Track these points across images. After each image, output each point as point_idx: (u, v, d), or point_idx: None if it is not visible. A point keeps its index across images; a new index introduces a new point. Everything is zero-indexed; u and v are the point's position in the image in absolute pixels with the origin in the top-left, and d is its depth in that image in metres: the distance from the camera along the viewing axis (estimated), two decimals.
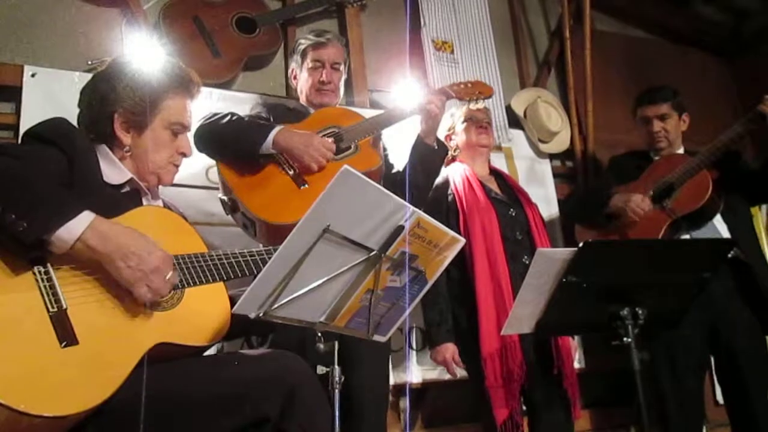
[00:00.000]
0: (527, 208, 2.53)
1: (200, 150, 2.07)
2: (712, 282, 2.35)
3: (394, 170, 2.41)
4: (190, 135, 1.73)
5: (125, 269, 1.29)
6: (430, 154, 2.31)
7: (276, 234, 1.94)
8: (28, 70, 2.43)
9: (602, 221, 2.78)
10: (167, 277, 1.34)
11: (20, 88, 2.40)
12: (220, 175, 2.07)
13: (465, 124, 2.63)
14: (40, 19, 2.62)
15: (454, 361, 2.31)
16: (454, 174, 2.54)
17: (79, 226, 1.25)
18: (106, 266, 1.29)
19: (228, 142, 2.05)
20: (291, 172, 2.05)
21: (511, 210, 2.48)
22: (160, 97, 1.60)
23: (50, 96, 2.38)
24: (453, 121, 2.68)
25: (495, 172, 2.71)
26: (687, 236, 2.60)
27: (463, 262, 2.36)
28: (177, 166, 1.67)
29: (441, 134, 2.69)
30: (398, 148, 2.51)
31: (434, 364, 2.42)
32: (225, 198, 2.08)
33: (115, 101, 1.56)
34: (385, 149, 2.44)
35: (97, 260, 1.28)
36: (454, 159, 2.66)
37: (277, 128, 2.05)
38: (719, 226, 2.61)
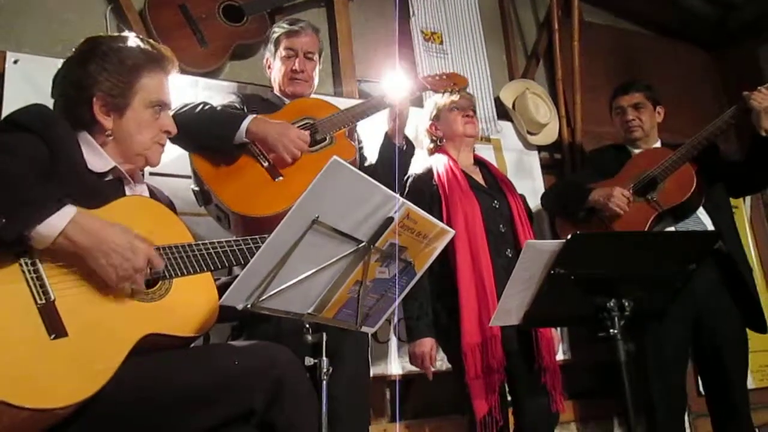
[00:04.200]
0: (511, 199, 2.48)
1: (173, 141, 2.03)
2: (696, 275, 2.38)
3: (367, 162, 2.38)
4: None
5: (107, 267, 1.27)
6: (397, 154, 2.27)
7: (250, 226, 1.92)
8: (10, 57, 2.40)
9: (582, 216, 2.79)
10: (149, 272, 1.33)
11: (2, 75, 2.37)
12: (193, 166, 2.03)
13: (451, 113, 2.56)
14: (23, 5, 2.58)
15: (430, 357, 2.26)
16: (438, 164, 2.49)
17: (61, 221, 1.23)
18: (87, 261, 1.27)
19: (201, 132, 2.00)
20: (265, 164, 2.02)
21: (495, 201, 2.43)
22: (137, 75, 1.55)
23: (32, 83, 2.35)
24: (437, 110, 2.61)
25: (480, 162, 2.66)
26: (672, 229, 2.62)
27: (444, 254, 2.28)
28: (162, 145, 1.64)
29: (424, 122, 2.68)
30: (372, 139, 2.49)
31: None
32: (197, 189, 2.05)
33: (91, 85, 1.51)
34: (359, 141, 2.43)
35: (80, 255, 1.26)
36: (439, 148, 2.59)
37: (251, 117, 2.02)
38: (703, 218, 2.63)
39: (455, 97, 2.51)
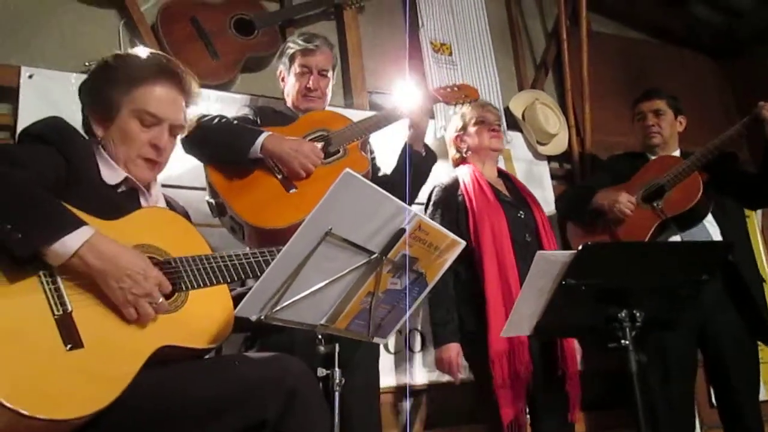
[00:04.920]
0: (535, 210, 2.56)
1: (188, 152, 2.06)
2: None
3: (380, 173, 2.41)
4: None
5: (117, 290, 1.28)
6: (418, 162, 2.31)
7: (264, 238, 1.93)
8: (25, 72, 2.43)
9: (587, 218, 2.79)
10: (158, 301, 1.34)
11: (17, 90, 2.40)
12: (208, 178, 2.05)
13: (477, 126, 2.64)
14: (38, 20, 2.62)
15: (456, 362, 2.32)
16: (464, 175, 2.56)
17: (77, 241, 1.24)
18: (99, 283, 1.28)
19: (216, 145, 2.03)
20: (279, 176, 2.04)
21: (520, 212, 2.51)
22: (130, 85, 1.54)
23: (47, 97, 2.38)
24: (464, 122, 2.68)
25: (503, 175, 2.74)
26: (677, 237, 2.61)
27: (472, 263, 2.39)
28: (149, 161, 1.57)
29: (450, 134, 2.74)
30: (385, 150, 2.53)
31: (434, 365, 2.44)
32: (212, 201, 2.07)
33: (86, 95, 1.58)
34: (372, 152, 2.45)
35: (92, 276, 1.27)
36: (464, 160, 2.66)
37: (266, 134, 2.03)
38: (711, 228, 2.62)
39: (483, 111, 2.59)
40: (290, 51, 2.37)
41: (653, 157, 2.84)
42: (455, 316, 2.37)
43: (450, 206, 2.50)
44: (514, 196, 2.59)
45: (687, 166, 2.59)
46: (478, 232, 2.38)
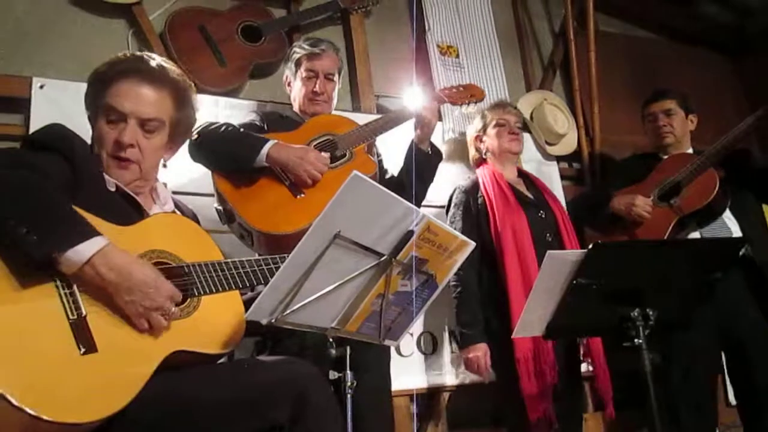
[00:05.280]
0: (556, 209, 2.58)
1: (195, 160, 2.07)
2: (722, 281, 2.35)
3: (388, 175, 2.42)
4: (134, 124, 1.54)
5: (129, 302, 1.29)
6: (425, 161, 2.32)
7: (274, 244, 1.94)
8: (36, 82, 2.45)
9: (605, 222, 2.78)
10: (172, 311, 1.34)
11: (29, 100, 2.42)
12: (215, 185, 2.06)
13: (496, 129, 2.66)
14: (48, 31, 2.64)
15: (485, 362, 2.35)
16: (483, 177, 2.59)
17: (90, 250, 1.25)
18: (110, 294, 1.28)
19: (221, 154, 2.04)
20: (287, 182, 2.05)
21: (541, 212, 2.53)
22: (103, 87, 1.54)
23: (58, 107, 2.39)
24: (484, 123, 2.71)
25: (523, 174, 2.76)
26: (696, 234, 2.59)
27: (494, 264, 2.41)
28: (119, 159, 1.52)
29: (470, 134, 2.77)
30: (392, 151, 2.53)
31: (446, 367, 2.44)
32: (220, 208, 2.08)
33: (84, 104, 1.60)
34: (378, 154, 2.46)
35: (104, 286, 1.27)
36: (484, 161, 2.69)
37: (271, 142, 2.04)
38: (730, 224, 2.60)
39: (503, 113, 2.62)
40: (296, 56, 2.38)
41: (665, 157, 2.83)
42: (481, 317, 2.40)
43: (470, 208, 2.53)
44: (534, 196, 2.61)
45: (701, 163, 2.59)
46: (500, 233, 2.41)
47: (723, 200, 2.57)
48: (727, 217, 2.60)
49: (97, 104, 1.55)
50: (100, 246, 1.26)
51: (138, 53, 1.65)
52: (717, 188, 2.52)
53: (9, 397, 1.09)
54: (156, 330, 1.33)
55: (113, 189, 1.51)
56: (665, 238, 2.56)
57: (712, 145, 2.60)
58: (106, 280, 1.26)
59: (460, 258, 1.54)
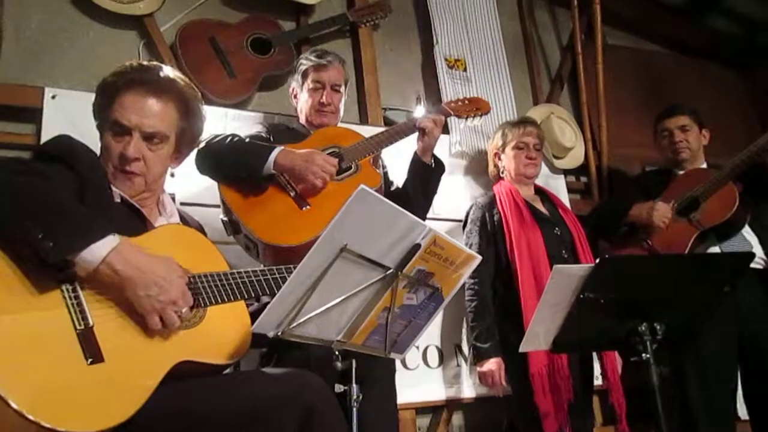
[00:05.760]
0: (572, 226, 2.60)
1: (201, 171, 2.08)
2: (741, 294, 2.34)
3: (393, 187, 2.42)
4: (139, 137, 1.54)
5: (144, 297, 1.30)
6: (427, 173, 2.33)
7: (279, 255, 1.94)
8: (48, 92, 2.47)
9: (622, 232, 2.77)
10: (182, 311, 1.35)
11: (41, 110, 2.44)
12: (222, 197, 2.06)
13: (515, 151, 2.69)
14: (60, 41, 2.67)
15: (499, 376, 2.36)
16: (500, 193, 2.62)
17: (105, 248, 1.26)
18: (126, 291, 1.30)
19: (229, 164, 2.04)
20: (292, 194, 2.05)
21: (556, 229, 2.56)
22: (110, 99, 1.55)
23: (70, 117, 2.41)
24: (504, 141, 2.73)
25: (540, 191, 2.78)
26: (716, 249, 2.59)
27: (510, 279, 2.44)
28: (125, 173, 1.53)
29: (491, 148, 2.81)
30: (397, 164, 2.53)
31: (451, 381, 2.44)
32: (226, 219, 2.08)
33: (93, 116, 1.61)
34: (384, 166, 2.46)
35: (119, 284, 1.29)
36: (501, 177, 2.74)
37: (278, 149, 2.04)
38: (749, 238, 2.60)
39: (523, 134, 2.66)
40: (303, 67, 2.39)
41: (681, 172, 2.84)
42: (496, 331, 2.41)
43: (487, 224, 2.57)
44: (550, 213, 2.64)
45: (720, 177, 2.60)
46: (515, 250, 2.44)
47: (743, 214, 2.57)
48: (746, 231, 2.61)
49: (104, 116, 1.56)
50: (114, 244, 1.27)
51: (145, 63, 1.66)
52: (737, 202, 2.52)
53: (26, 413, 1.10)
54: (168, 326, 1.33)
55: (119, 200, 1.52)
56: (686, 252, 2.55)
57: (730, 159, 2.61)
58: (122, 276, 1.28)
59: (467, 272, 1.54)
